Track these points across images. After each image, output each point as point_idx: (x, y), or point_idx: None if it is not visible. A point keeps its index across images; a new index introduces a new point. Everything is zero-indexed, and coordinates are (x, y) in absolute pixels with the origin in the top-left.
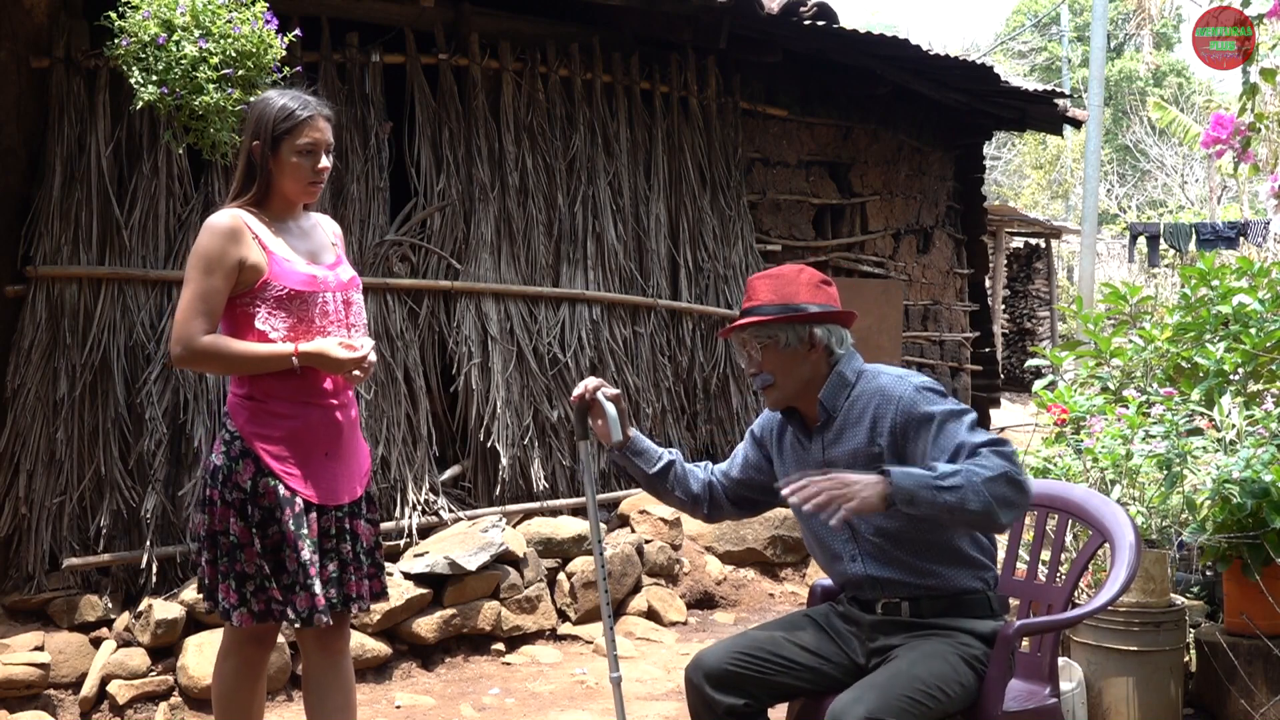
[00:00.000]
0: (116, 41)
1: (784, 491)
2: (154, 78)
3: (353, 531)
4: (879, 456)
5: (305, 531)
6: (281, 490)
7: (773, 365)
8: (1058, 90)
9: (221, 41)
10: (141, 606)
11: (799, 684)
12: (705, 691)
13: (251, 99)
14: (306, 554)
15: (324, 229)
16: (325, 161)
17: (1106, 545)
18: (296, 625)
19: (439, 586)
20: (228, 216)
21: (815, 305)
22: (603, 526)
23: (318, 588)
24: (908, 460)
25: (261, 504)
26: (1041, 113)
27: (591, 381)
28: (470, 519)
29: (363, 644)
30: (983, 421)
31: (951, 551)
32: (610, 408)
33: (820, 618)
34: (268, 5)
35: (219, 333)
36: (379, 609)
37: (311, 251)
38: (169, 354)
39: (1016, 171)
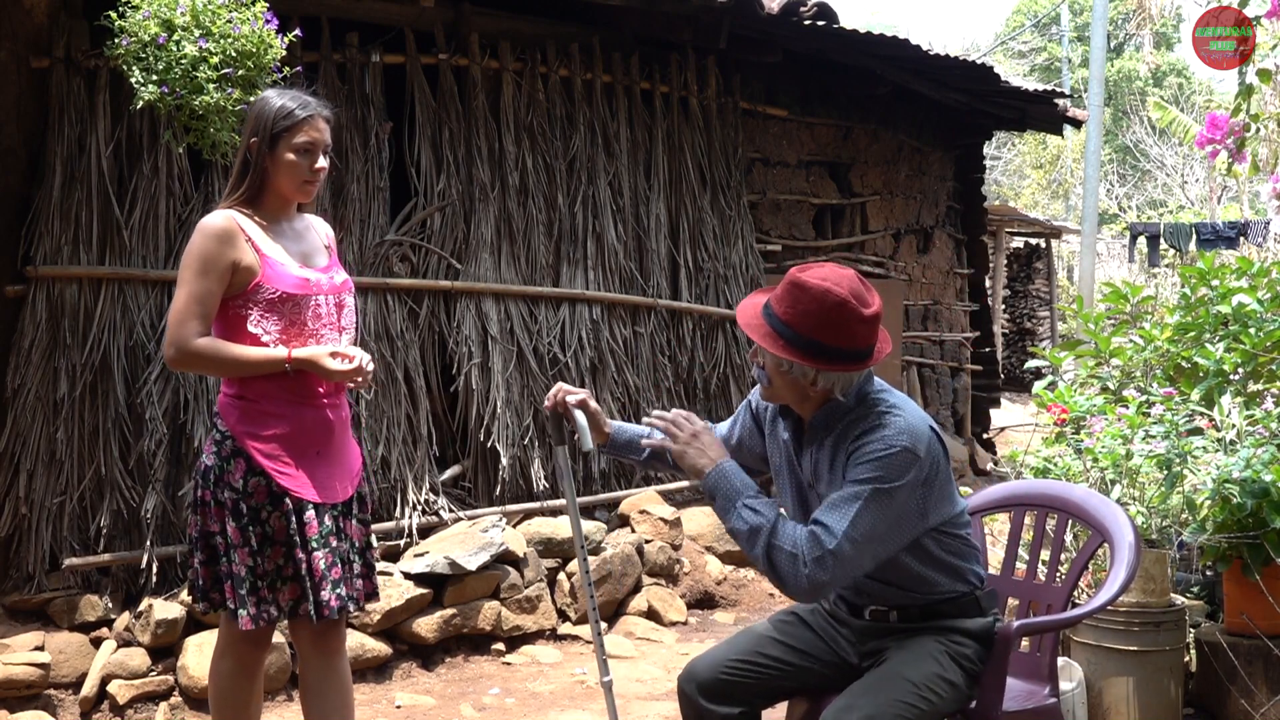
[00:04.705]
0: (116, 41)
1: (657, 427)
2: (154, 78)
3: (344, 531)
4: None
5: (293, 530)
6: (272, 489)
7: (773, 374)
8: (1058, 90)
9: (221, 41)
10: (142, 606)
11: (793, 684)
12: (699, 703)
13: (252, 99)
14: (320, 555)
15: (317, 231)
16: (322, 162)
17: (1106, 545)
18: (315, 620)
19: (439, 586)
20: (221, 218)
21: (837, 348)
22: (603, 526)
23: (327, 589)
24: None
25: (251, 503)
26: (1041, 113)
27: (562, 388)
28: (470, 519)
29: (363, 644)
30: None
31: (926, 578)
32: (580, 416)
33: (809, 615)
34: (268, 5)
35: (213, 335)
36: (378, 609)
37: (304, 254)
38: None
39: (1016, 171)
